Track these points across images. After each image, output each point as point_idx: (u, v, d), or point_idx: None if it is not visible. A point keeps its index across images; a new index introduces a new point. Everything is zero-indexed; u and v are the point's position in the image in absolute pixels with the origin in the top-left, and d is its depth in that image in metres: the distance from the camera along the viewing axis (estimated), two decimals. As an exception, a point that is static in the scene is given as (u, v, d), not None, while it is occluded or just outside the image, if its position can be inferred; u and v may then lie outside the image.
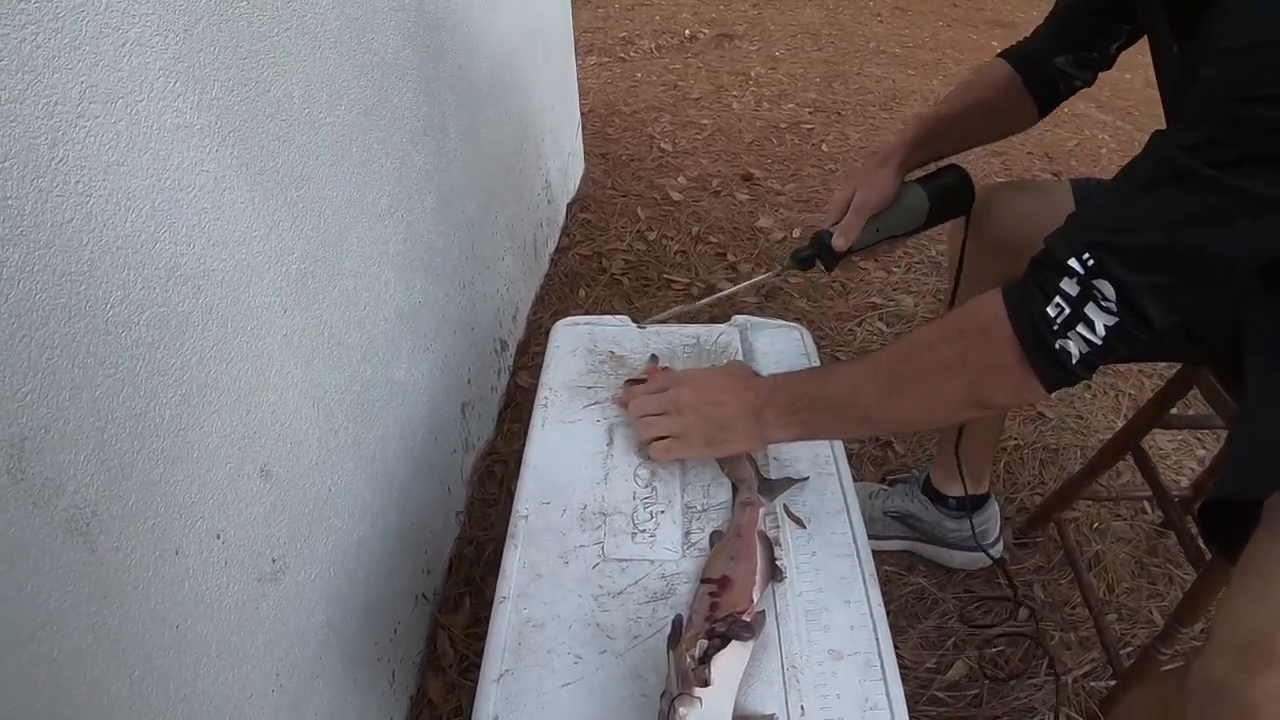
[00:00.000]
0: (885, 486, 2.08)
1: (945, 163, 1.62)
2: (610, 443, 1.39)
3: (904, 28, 6.45)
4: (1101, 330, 0.96)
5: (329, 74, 1.29)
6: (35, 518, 0.76)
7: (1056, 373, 1.02)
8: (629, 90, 4.78)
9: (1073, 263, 0.97)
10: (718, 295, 1.77)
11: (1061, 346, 0.99)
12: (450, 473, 1.97)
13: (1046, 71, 1.55)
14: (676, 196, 3.53)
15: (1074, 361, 0.99)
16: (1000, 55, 1.61)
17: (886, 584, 1.97)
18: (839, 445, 1.41)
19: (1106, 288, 0.95)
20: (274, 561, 1.20)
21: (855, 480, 2.13)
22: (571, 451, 1.38)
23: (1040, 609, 1.95)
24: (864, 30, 6.31)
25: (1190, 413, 1.80)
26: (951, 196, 1.59)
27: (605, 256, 3.06)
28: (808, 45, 5.83)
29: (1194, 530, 2.01)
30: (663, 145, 4.05)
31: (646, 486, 1.31)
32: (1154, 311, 0.94)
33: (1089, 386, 2.59)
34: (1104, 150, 4.48)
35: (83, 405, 0.82)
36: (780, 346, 1.60)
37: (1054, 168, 4.15)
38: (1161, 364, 2.40)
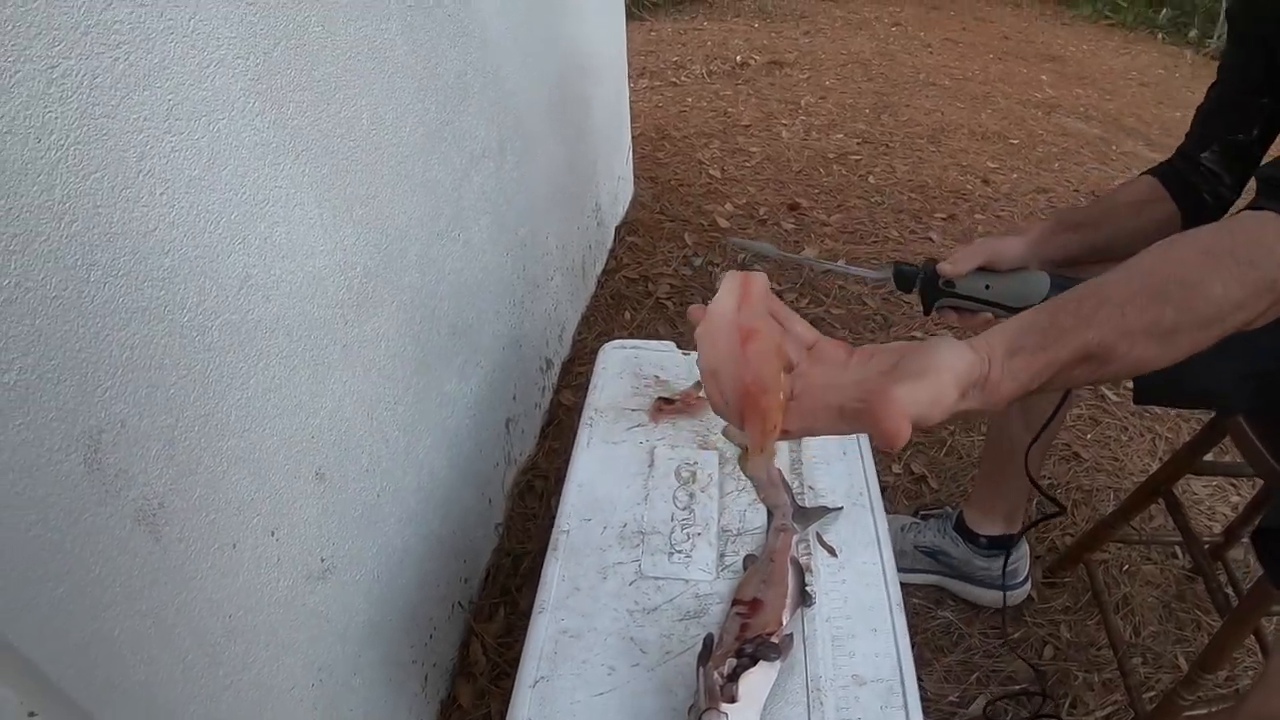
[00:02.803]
0: (918, 520, 2.11)
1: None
2: (651, 464, 1.44)
3: (954, 60, 6.47)
4: None
5: (395, 96, 1.36)
6: (106, 505, 0.82)
7: None
8: (679, 115, 4.84)
9: None
10: (810, 259, 1.75)
11: None
12: (492, 485, 2.02)
13: (1190, 176, 1.55)
14: (723, 223, 3.58)
15: None
16: (1144, 172, 1.61)
17: (914, 616, 1.99)
18: (873, 479, 1.45)
19: None
20: (322, 560, 1.26)
21: (888, 513, 2.18)
22: (614, 471, 1.43)
23: (1065, 649, 1.97)
24: (914, 61, 6.34)
25: (1225, 459, 1.82)
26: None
27: (651, 280, 3.11)
28: (858, 75, 5.87)
29: (1222, 578, 2.04)
30: (711, 171, 4.10)
31: (685, 509, 1.36)
32: None
33: (1125, 429, 2.61)
34: (1151, 189, 4.47)
35: (157, 403, 0.88)
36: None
37: (1100, 208, 4.16)
38: (1200, 410, 2.41)
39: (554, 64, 2.34)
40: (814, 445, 1.50)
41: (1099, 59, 6.87)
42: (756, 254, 1.61)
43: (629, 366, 1.64)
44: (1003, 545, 1.97)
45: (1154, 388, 1.61)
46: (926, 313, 1.54)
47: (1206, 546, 2.08)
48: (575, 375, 2.60)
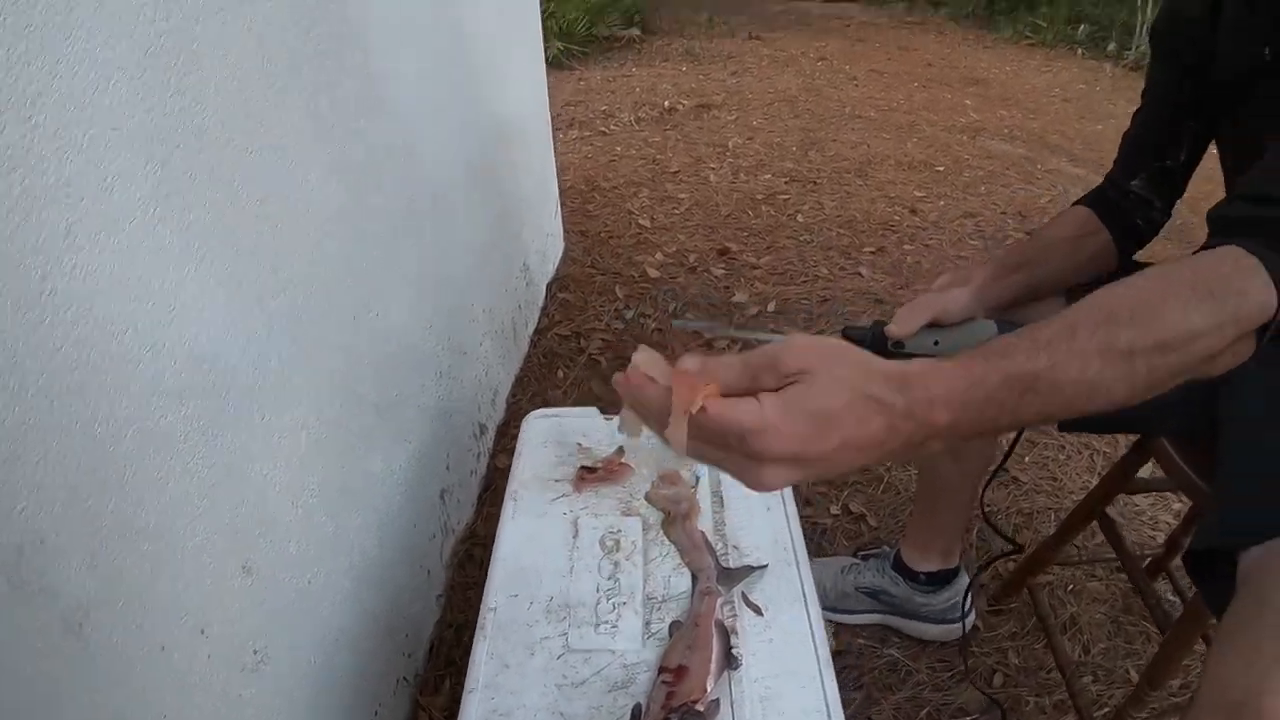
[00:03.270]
0: (858, 560, 2.12)
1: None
2: (576, 534, 1.45)
3: (880, 90, 6.57)
4: None
5: (304, 183, 1.36)
6: (33, 620, 0.82)
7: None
8: (608, 165, 4.87)
9: None
10: (750, 333, 1.71)
11: None
12: (430, 557, 2.02)
13: (1121, 203, 1.58)
14: (654, 273, 3.61)
15: None
16: (1076, 202, 1.65)
17: (860, 656, 2.01)
18: (798, 533, 1.46)
19: None
20: (255, 653, 1.25)
21: (827, 554, 2.19)
22: (539, 544, 1.44)
23: (1015, 675, 1.98)
24: (840, 94, 6.42)
25: (1159, 474, 1.84)
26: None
27: (584, 336, 3.13)
28: (785, 113, 5.93)
29: (1168, 589, 2.06)
30: (641, 221, 4.13)
31: (610, 578, 1.37)
32: None
33: (1062, 448, 2.64)
34: (1078, 206, 4.54)
35: (76, 516, 0.88)
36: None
37: (1028, 226, 4.23)
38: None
39: (474, 131, 2.37)
40: (737, 503, 1.51)
41: (1021, 79, 7.00)
42: (702, 332, 1.61)
43: (552, 435, 1.65)
44: (942, 580, 1.99)
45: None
46: None
47: (1149, 559, 2.11)
48: (510, 439, 2.59)
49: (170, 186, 1.03)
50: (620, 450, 1.59)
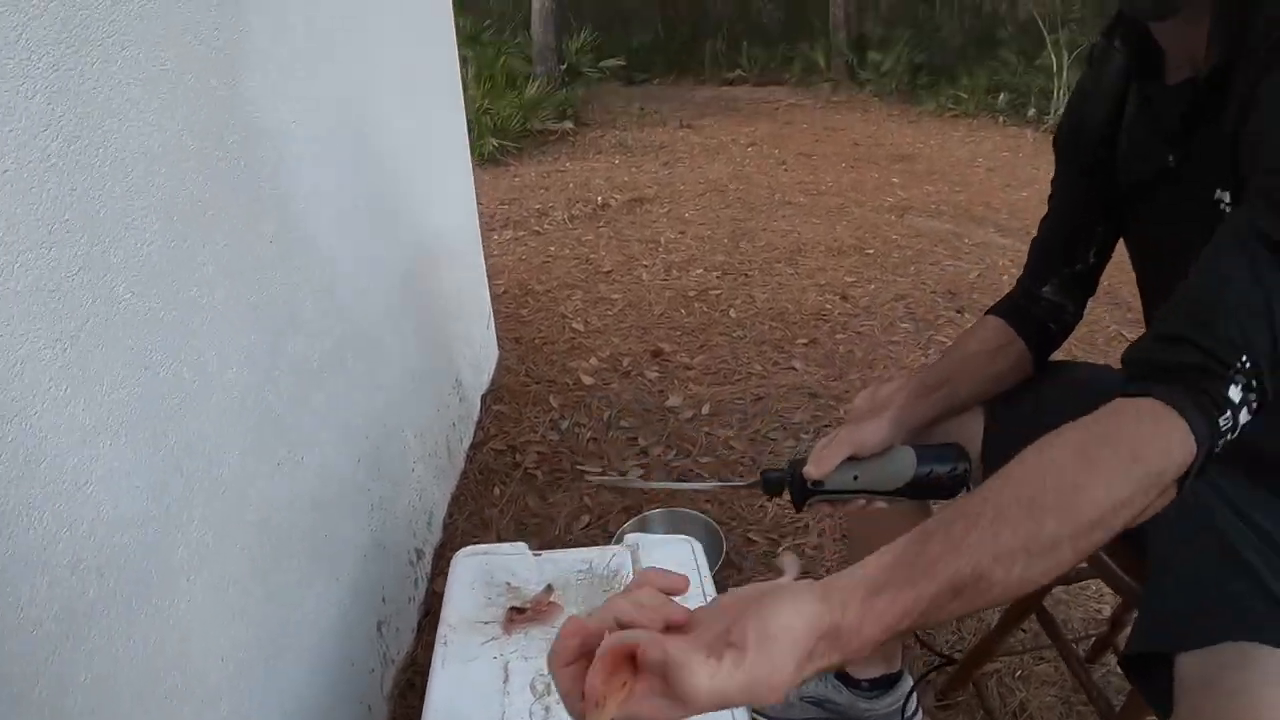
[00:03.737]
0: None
1: (952, 440, 1.53)
2: (506, 679, 1.44)
3: (808, 174, 6.68)
4: (1245, 419, 0.94)
5: (218, 340, 1.37)
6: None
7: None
8: (542, 267, 4.92)
9: (1239, 363, 0.94)
10: (679, 485, 1.73)
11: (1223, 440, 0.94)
12: (370, 692, 2.00)
13: (1033, 310, 1.59)
14: (588, 380, 3.62)
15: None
16: (988, 311, 1.65)
17: (807, 765, 2.00)
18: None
19: (1252, 396, 0.94)
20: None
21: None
22: (470, 692, 1.43)
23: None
24: (770, 180, 6.53)
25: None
26: (943, 473, 1.45)
27: (519, 450, 3.13)
28: (716, 203, 6.02)
29: (1100, 687, 2.07)
30: (575, 325, 4.15)
31: (542, 726, 1.36)
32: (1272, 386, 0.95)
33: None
34: (1005, 277, 4.63)
35: (3, 704, 0.88)
36: (671, 562, 1.67)
37: (958, 304, 4.30)
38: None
39: (399, 255, 2.39)
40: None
41: (946, 151, 7.15)
42: (623, 489, 1.62)
43: (481, 575, 1.65)
44: (885, 685, 1.99)
45: None
46: (798, 510, 1.51)
47: (1094, 639, 2.12)
48: (448, 561, 2.58)
49: (81, 363, 1.04)
50: (549, 589, 1.59)
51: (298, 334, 1.68)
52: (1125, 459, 0.87)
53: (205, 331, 1.33)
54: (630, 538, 1.74)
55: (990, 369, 1.58)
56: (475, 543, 2.55)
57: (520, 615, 1.55)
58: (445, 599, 1.62)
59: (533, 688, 1.43)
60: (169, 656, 1.21)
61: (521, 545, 1.73)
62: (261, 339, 1.53)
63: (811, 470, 1.43)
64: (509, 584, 1.63)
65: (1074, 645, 1.86)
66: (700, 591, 1.61)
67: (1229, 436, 0.92)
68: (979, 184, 6.15)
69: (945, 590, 0.79)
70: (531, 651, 1.49)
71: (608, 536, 2.62)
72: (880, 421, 1.48)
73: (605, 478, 1.66)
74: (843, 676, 2.00)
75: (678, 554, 1.70)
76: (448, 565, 2.46)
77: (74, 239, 1.03)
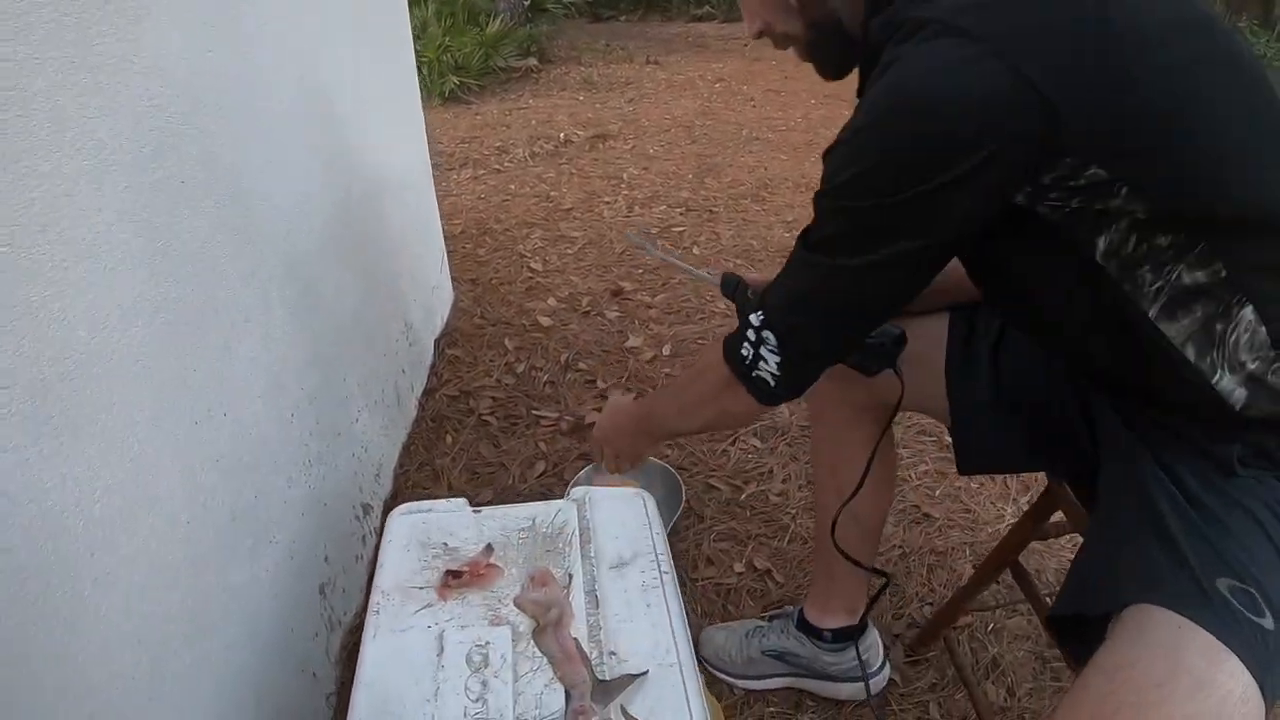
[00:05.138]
0: (763, 623, 2.04)
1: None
2: (441, 651, 1.33)
3: (777, 111, 6.54)
4: (774, 365, 1.28)
5: (119, 293, 1.23)
6: None
7: (764, 393, 1.33)
8: (501, 205, 4.76)
9: (752, 318, 1.28)
10: (681, 266, 2.01)
11: (758, 375, 1.30)
12: (314, 658, 1.90)
13: None
14: (545, 321, 3.49)
15: (774, 385, 1.31)
16: None
17: (771, 724, 1.92)
18: (683, 633, 1.37)
19: (768, 335, 1.26)
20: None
21: (734, 618, 2.11)
22: (402, 665, 1.33)
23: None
24: (737, 117, 6.38)
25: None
26: (873, 339, 1.46)
27: (473, 395, 3.01)
28: (681, 139, 5.87)
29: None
30: (533, 265, 4.01)
31: (478, 700, 1.26)
32: (812, 344, 1.27)
33: (973, 478, 2.56)
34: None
35: None
36: (621, 518, 1.56)
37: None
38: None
39: (337, 199, 2.24)
40: (614, 600, 1.41)
41: (917, 90, 7.00)
42: (639, 247, 1.92)
43: (416, 535, 1.54)
44: (849, 637, 1.91)
45: (977, 456, 1.58)
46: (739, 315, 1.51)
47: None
48: (400, 513, 2.49)
49: None
50: (488, 549, 1.48)
51: (219, 281, 1.54)
52: (696, 379, 1.50)
53: (104, 284, 1.20)
54: (577, 491, 1.63)
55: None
56: (426, 495, 2.47)
57: (456, 579, 1.44)
58: (378, 563, 1.50)
59: (469, 660, 1.32)
60: (76, 638, 1.10)
61: (460, 501, 1.61)
62: (174, 289, 1.39)
63: (755, 277, 1.64)
64: (446, 544, 1.52)
65: (1047, 600, 1.78)
66: (652, 550, 1.51)
67: (766, 366, 1.29)
68: (947, 123, 6.01)
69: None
70: (469, 619, 1.38)
71: (564, 484, 2.52)
72: None
73: (634, 237, 1.94)
74: (805, 627, 1.93)
75: (628, 510, 1.59)
76: (397, 519, 2.38)
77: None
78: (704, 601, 2.21)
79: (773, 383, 1.29)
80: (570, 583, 1.43)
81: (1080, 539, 1.39)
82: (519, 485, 2.58)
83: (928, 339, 1.55)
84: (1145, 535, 1.12)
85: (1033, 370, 1.47)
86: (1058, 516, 1.64)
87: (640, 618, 1.39)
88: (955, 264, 1.51)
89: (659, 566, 1.48)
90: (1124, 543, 1.15)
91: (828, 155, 1.13)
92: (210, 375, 1.49)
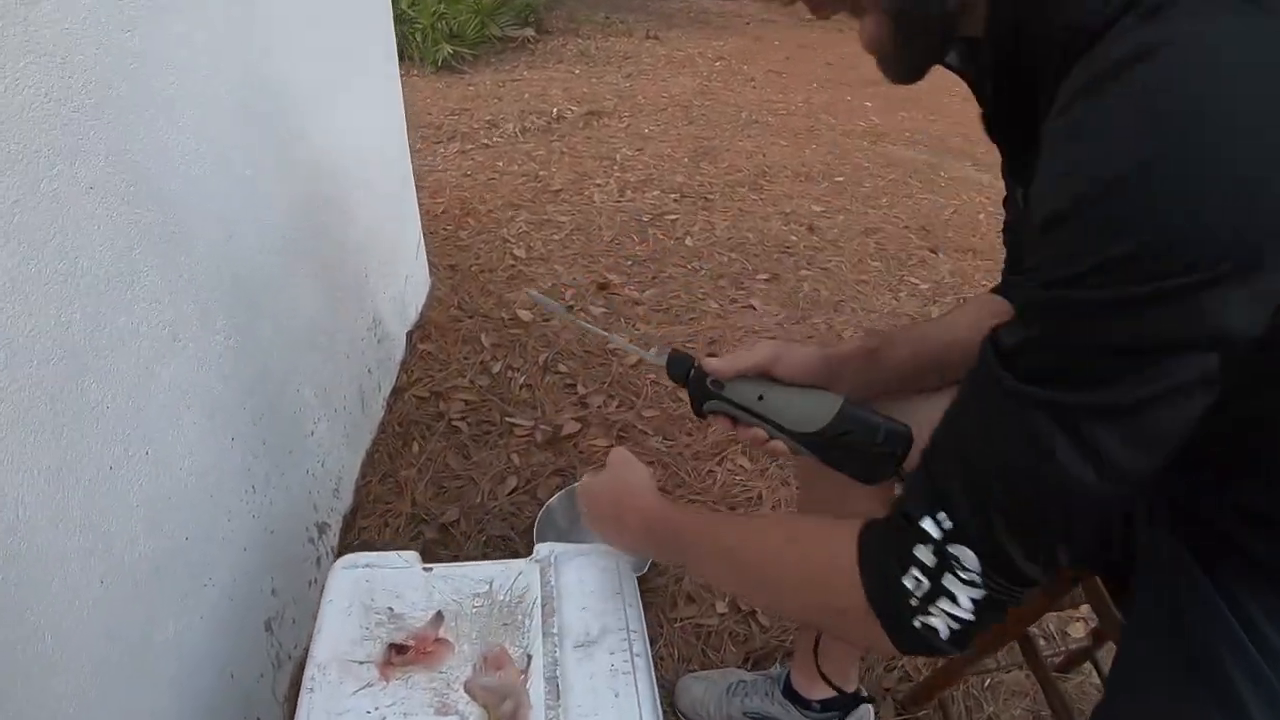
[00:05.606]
0: (745, 676, 1.87)
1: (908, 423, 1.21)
2: (379, 746, 1.15)
3: (777, 93, 6.37)
4: (968, 604, 0.79)
5: (9, 329, 1.05)
6: None
7: (918, 645, 0.84)
8: (487, 184, 4.55)
9: (927, 525, 0.79)
10: (595, 329, 1.48)
11: (924, 624, 0.82)
12: (259, 700, 1.73)
13: None
14: (525, 316, 3.28)
15: (942, 638, 0.82)
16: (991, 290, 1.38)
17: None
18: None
19: (966, 555, 0.78)
20: None
21: (714, 664, 1.94)
22: (335, 757, 1.15)
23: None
24: (736, 98, 6.20)
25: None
26: (861, 441, 1.17)
27: (444, 397, 2.82)
28: (678, 119, 5.69)
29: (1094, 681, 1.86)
30: (516, 251, 3.81)
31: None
32: (1029, 568, 0.78)
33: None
34: (982, 215, 4.38)
35: None
36: (590, 584, 1.38)
37: (931, 242, 4.04)
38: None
39: (293, 183, 2.03)
40: (577, 690, 1.23)
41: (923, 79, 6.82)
42: (546, 310, 1.44)
43: (359, 595, 1.35)
44: (839, 706, 1.77)
45: None
46: (696, 413, 1.30)
47: (1063, 655, 1.91)
48: (360, 530, 2.30)
49: None
50: (439, 618, 1.31)
51: (135, 300, 1.33)
52: (798, 577, 0.97)
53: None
54: (543, 548, 1.44)
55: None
56: (388, 511, 2.29)
57: (401, 655, 1.26)
58: (316, 626, 1.32)
59: (410, 756, 1.15)
60: None
61: (412, 555, 1.43)
62: (80, 314, 1.19)
63: (713, 364, 1.26)
64: (392, 609, 1.34)
65: (1047, 660, 1.63)
66: (624, 625, 1.33)
67: (947, 608, 0.80)
68: (955, 114, 5.82)
69: (675, 547, 1.22)
70: (413, 705, 1.20)
71: (536, 504, 2.35)
72: (816, 349, 1.26)
73: (539, 295, 1.46)
74: (790, 694, 1.78)
75: (599, 574, 1.41)
76: (360, 534, 2.19)
77: None
78: (681, 645, 2.04)
79: (947, 633, 0.82)
80: (529, 665, 1.25)
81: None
82: (488, 502, 2.40)
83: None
84: (1197, 689, 0.92)
85: None
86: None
87: (607, 710, 1.21)
88: (954, 327, 1.33)
89: (630, 647, 1.29)
90: (1168, 698, 0.96)
91: (1049, 228, 0.71)
92: (125, 410, 1.30)
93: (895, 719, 1.91)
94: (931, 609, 0.81)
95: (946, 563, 0.79)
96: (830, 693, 1.74)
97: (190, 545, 1.49)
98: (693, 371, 1.28)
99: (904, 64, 0.94)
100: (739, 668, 1.98)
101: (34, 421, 1.09)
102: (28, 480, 1.07)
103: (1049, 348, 0.72)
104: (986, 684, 1.98)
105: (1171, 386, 0.69)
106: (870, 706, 1.80)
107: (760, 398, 1.23)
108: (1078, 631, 2.09)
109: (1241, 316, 0.66)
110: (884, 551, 0.85)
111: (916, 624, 0.82)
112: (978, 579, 0.78)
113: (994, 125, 1.02)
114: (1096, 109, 0.68)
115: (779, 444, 1.24)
